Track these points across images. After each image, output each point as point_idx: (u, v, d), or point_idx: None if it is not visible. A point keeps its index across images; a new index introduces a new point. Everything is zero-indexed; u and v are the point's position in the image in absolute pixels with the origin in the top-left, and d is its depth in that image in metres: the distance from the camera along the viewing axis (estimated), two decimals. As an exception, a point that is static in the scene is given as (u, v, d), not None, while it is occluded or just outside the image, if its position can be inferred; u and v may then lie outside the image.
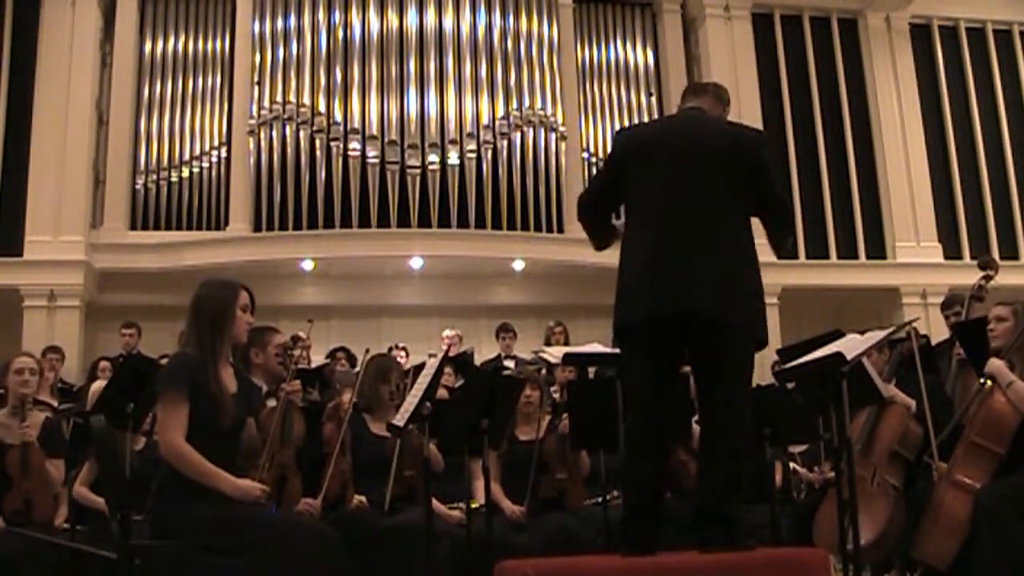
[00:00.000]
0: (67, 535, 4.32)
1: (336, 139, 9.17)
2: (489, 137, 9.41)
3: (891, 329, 4.01)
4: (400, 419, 3.85)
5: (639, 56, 10.42)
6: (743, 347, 3.19)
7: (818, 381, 3.60)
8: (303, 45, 9.44)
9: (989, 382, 3.89)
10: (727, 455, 3.12)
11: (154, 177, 9.26)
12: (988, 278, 5.25)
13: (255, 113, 9.26)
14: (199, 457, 3.09)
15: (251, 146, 9.20)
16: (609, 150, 3.50)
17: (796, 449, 5.29)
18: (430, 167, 9.20)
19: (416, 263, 9.20)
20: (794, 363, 3.82)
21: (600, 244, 3.51)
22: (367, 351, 4.81)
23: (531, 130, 9.52)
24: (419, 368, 4.33)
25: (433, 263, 9.21)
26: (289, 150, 9.13)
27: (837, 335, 3.99)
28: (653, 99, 10.25)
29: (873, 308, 9.80)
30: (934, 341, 5.96)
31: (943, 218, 10.28)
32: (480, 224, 9.20)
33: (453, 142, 9.29)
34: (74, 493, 4.52)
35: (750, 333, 3.19)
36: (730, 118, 3.55)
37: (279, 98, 9.27)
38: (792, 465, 5.21)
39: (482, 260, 9.22)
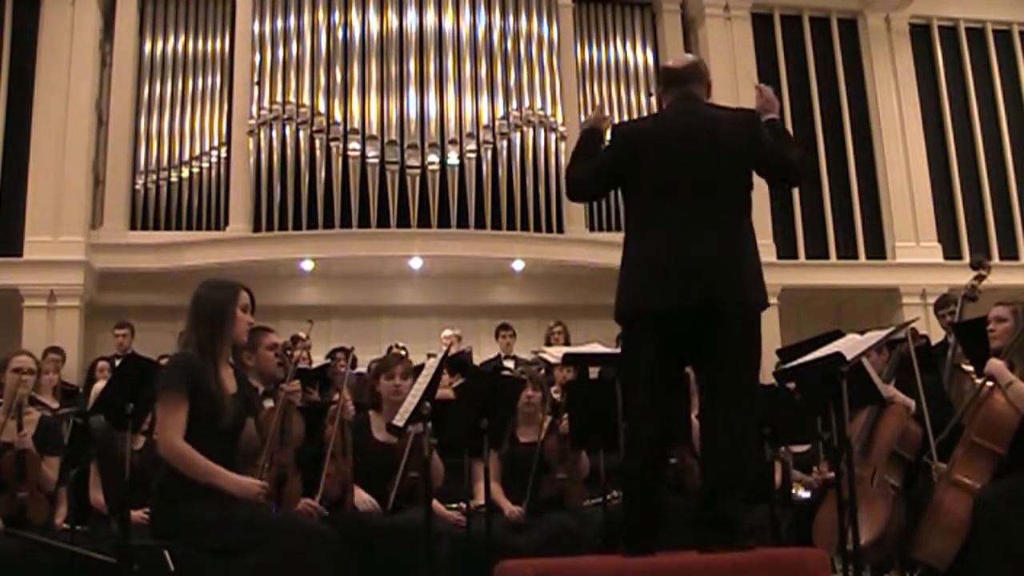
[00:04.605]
0: (67, 535, 4.31)
1: (336, 139, 9.17)
2: (489, 137, 9.41)
3: (891, 329, 4.01)
4: (400, 419, 3.85)
5: (639, 56, 10.42)
6: (755, 329, 3.23)
7: (818, 381, 3.60)
8: (303, 45, 9.44)
9: (989, 382, 3.89)
10: (731, 451, 3.13)
11: (154, 177, 9.26)
12: (981, 278, 5.26)
13: (255, 113, 9.26)
14: (198, 455, 3.09)
15: (251, 146, 9.20)
16: (609, 138, 3.50)
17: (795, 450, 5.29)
18: (430, 167, 9.20)
19: (416, 263, 9.20)
20: (794, 363, 3.82)
21: (581, 194, 3.60)
22: (352, 348, 4.82)
23: (531, 130, 9.52)
24: (418, 368, 4.33)
25: (433, 263, 9.21)
26: (289, 150, 9.13)
27: (837, 335, 3.99)
28: (653, 99, 10.24)
29: (873, 308, 9.81)
30: (934, 341, 5.96)
31: (943, 218, 10.28)
32: (480, 224, 9.20)
33: (453, 142, 9.29)
34: (92, 501, 4.51)
35: (759, 307, 3.25)
36: (724, 104, 3.58)
37: (279, 98, 9.26)
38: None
39: (482, 260, 9.22)
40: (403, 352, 7.58)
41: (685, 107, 3.41)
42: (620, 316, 3.31)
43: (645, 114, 10.16)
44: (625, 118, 10.04)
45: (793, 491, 5.03)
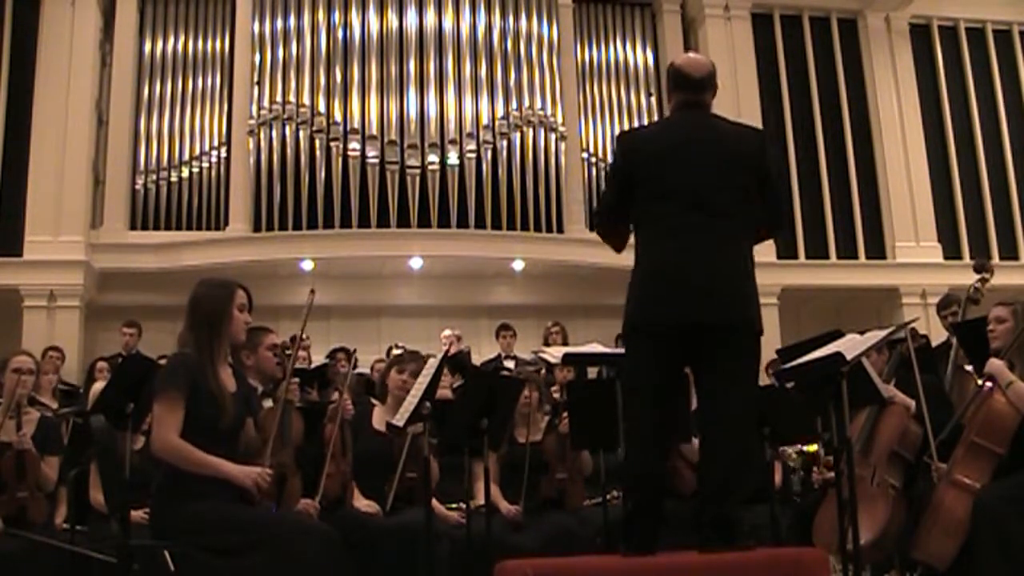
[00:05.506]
0: (67, 535, 4.31)
1: (336, 139, 9.18)
2: (489, 137, 9.41)
3: (891, 329, 4.00)
4: (400, 419, 3.85)
5: (639, 56, 10.43)
6: (756, 347, 3.25)
7: (818, 381, 3.59)
8: (303, 45, 9.45)
9: (988, 382, 3.89)
10: (732, 456, 3.13)
11: (154, 177, 9.27)
12: (984, 281, 5.26)
13: (255, 113, 9.26)
14: (193, 448, 3.09)
15: (251, 146, 9.20)
16: (612, 158, 3.50)
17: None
18: (430, 167, 9.20)
19: (416, 263, 9.20)
20: (794, 363, 3.81)
21: (620, 247, 3.56)
22: (355, 351, 4.83)
23: (531, 130, 9.52)
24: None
25: (433, 263, 9.21)
26: (289, 150, 9.13)
27: (837, 335, 3.99)
28: (653, 99, 10.25)
29: (873, 308, 9.81)
30: (934, 342, 5.95)
31: (943, 218, 10.29)
32: (480, 224, 9.20)
33: (453, 142, 9.29)
34: (92, 501, 4.51)
35: (759, 329, 3.25)
36: (730, 118, 3.56)
37: (279, 98, 9.27)
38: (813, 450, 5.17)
39: (482, 260, 9.22)
40: (403, 352, 7.60)
41: (692, 116, 3.37)
42: (625, 326, 3.34)
43: (644, 115, 10.19)
44: (625, 118, 10.06)
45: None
